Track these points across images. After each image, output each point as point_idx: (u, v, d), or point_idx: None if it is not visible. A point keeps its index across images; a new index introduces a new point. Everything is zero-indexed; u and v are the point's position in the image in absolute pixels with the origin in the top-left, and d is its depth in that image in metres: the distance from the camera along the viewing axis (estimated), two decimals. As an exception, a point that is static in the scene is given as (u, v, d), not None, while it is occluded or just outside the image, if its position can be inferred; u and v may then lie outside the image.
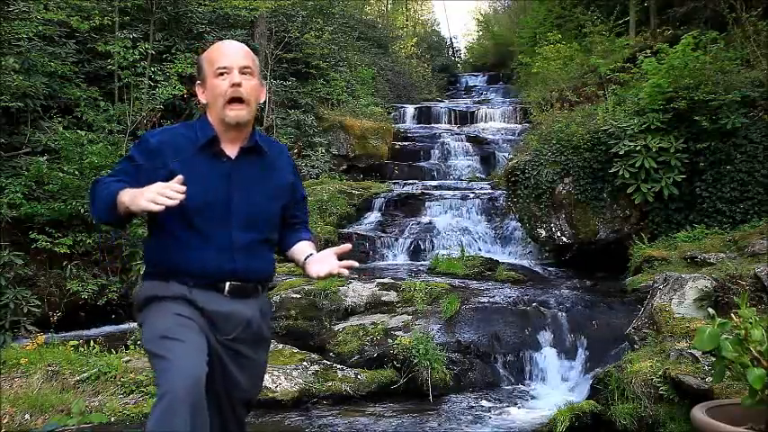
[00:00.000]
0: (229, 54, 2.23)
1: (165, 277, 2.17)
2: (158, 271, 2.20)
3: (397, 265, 9.03)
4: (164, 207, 1.95)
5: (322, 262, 2.29)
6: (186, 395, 1.90)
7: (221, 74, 2.19)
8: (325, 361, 5.50)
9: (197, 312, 2.13)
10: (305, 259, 2.34)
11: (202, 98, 2.26)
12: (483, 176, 12.65)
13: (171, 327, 2.05)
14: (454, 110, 16.95)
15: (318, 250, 2.37)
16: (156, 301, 2.15)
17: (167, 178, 2.06)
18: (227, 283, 2.20)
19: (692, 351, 4.19)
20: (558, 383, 5.47)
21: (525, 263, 8.78)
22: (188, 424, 1.88)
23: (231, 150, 2.25)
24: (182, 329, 2.06)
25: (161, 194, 1.95)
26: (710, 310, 2.99)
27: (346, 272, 2.27)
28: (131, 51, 9.01)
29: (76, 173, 7.80)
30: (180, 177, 2.01)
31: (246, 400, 2.33)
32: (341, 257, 2.29)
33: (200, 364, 1.99)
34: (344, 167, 13.13)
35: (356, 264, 2.36)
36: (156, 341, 2.04)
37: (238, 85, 2.18)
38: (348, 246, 2.35)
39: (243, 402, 2.32)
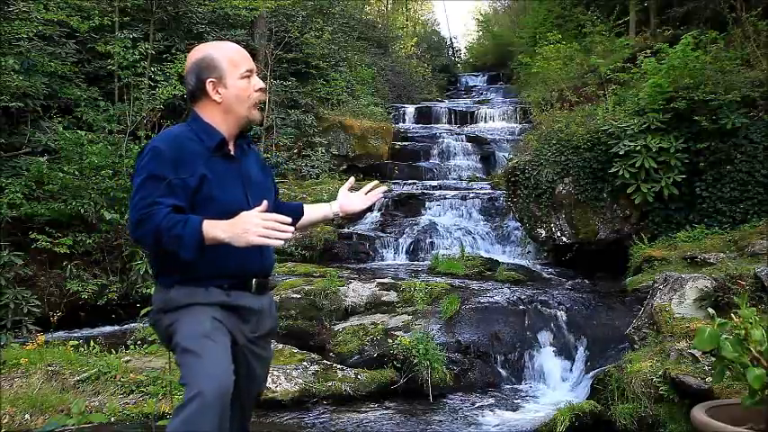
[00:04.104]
0: (248, 58, 2.31)
1: (202, 282, 2.14)
2: (194, 275, 2.14)
3: (397, 265, 9.03)
4: (283, 242, 2.04)
5: (355, 198, 2.58)
6: (215, 400, 1.93)
7: (248, 76, 2.26)
8: (325, 361, 5.50)
9: (226, 314, 2.16)
10: (331, 207, 2.57)
11: (216, 96, 2.24)
12: (483, 176, 12.66)
13: (211, 329, 2.07)
14: (454, 110, 16.96)
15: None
16: (199, 306, 2.13)
17: (198, 185, 2.11)
18: (254, 280, 2.25)
19: (692, 351, 4.19)
20: (557, 383, 5.47)
21: (525, 263, 8.78)
22: (216, 428, 1.92)
23: (232, 149, 2.31)
24: (218, 333, 2.09)
25: (271, 228, 1.99)
26: (710, 310, 2.99)
27: (380, 195, 2.60)
28: (131, 51, 9.01)
29: (76, 173, 7.80)
30: (265, 204, 2.06)
31: (259, 393, 2.43)
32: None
33: (230, 373, 2.02)
34: (344, 167, 13.13)
35: (385, 188, 2.68)
36: (198, 339, 2.04)
37: (263, 89, 2.31)
38: (351, 179, 2.65)
39: (255, 396, 2.40)
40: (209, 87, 2.23)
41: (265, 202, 2.07)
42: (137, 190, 2.09)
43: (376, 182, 2.66)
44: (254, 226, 1.99)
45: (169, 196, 2.07)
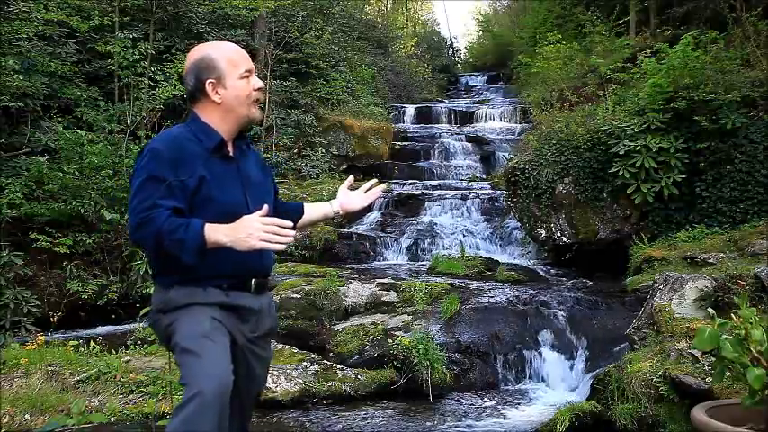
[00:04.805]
0: (247, 58, 2.31)
1: (201, 282, 2.14)
2: (193, 276, 2.13)
3: (397, 265, 9.03)
4: (284, 247, 2.06)
5: (355, 196, 2.58)
6: (214, 399, 1.93)
7: (247, 77, 2.26)
8: (325, 361, 5.50)
9: (226, 314, 2.16)
10: (332, 206, 2.58)
11: (216, 97, 2.23)
12: (483, 176, 12.66)
13: (210, 329, 2.08)
14: (454, 110, 16.97)
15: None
16: (198, 306, 2.13)
17: (197, 186, 2.11)
18: (254, 281, 2.26)
19: (692, 351, 4.18)
20: (558, 383, 5.46)
21: (525, 263, 8.78)
22: (215, 428, 1.92)
23: (231, 150, 2.30)
24: (217, 333, 2.09)
25: (272, 233, 2.01)
26: (710, 310, 2.98)
27: (379, 193, 2.63)
28: (131, 51, 9.01)
29: (76, 173, 7.80)
30: (266, 208, 2.07)
31: (258, 392, 2.43)
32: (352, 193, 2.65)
33: (230, 373, 2.03)
34: (344, 167, 13.13)
35: (384, 186, 2.70)
36: (197, 339, 2.04)
37: (262, 89, 2.32)
38: (351, 178, 2.67)
39: (256, 396, 2.40)
40: (208, 88, 2.22)
41: (266, 207, 2.08)
42: (136, 192, 2.08)
43: (374, 180, 2.68)
44: (255, 230, 2.00)
45: (169, 198, 2.06)
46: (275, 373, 5.00)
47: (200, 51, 2.28)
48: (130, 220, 2.08)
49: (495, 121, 16.02)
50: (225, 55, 2.25)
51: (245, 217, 2.04)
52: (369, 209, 10.73)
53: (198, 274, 2.12)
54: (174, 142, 2.16)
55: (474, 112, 16.67)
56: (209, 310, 2.12)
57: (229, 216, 2.07)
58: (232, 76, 2.23)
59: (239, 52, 2.30)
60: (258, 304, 2.27)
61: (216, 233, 2.01)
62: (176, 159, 2.11)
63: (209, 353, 2.00)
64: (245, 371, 2.23)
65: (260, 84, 2.30)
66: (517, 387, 5.47)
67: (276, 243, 2.02)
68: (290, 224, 2.06)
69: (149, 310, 2.27)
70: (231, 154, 2.28)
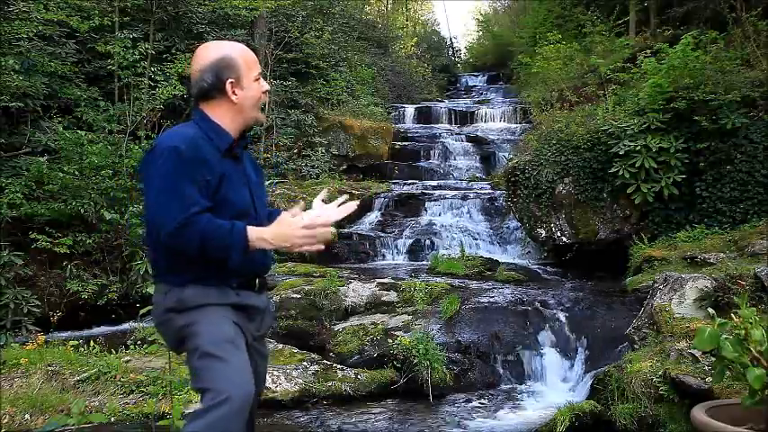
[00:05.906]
0: (257, 61, 2.33)
1: (213, 281, 2.13)
2: (205, 275, 2.12)
3: (397, 265, 9.03)
4: (323, 247, 2.15)
5: (329, 209, 2.42)
6: (241, 406, 1.97)
7: (258, 79, 2.29)
8: (325, 361, 5.50)
9: (237, 315, 2.17)
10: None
11: (233, 97, 2.23)
12: (483, 176, 12.66)
13: (234, 335, 2.09)
14: (454, 110, 16.95)
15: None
16: (212, 307, 2.12)
17: (217, 185, 2.12)
18: (257, 279, 2.27)
19: (692, 351, 4.19)
20: (557, 383, 5.46)
21: (525, 263, 8.78)
22: None
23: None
24: (239, 339, 2.11)
25: (315, 233, 2.09)
26: (710, 310, 2.99)
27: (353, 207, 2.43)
28: (131, 51, 9.00)
29: (76, 173, 7.79)
30: (302, 204, 2.17)
31: (260, 392, 2.42)
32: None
33: (252, 381, 2.06)
34: (344, 167, 13.13)
35: (357, 202, 2.52)
36: (222, 344, 2.05)
37: (268, 91, 2.34)
38: (324, 191, 2.52)
39: (258, 395, 2.40)
40: (228, 87, 2.22)
41: (302, 203, 2.16)
42: (169, 193, 2.02)
43: (346, 196, 2.52)
44: (299, 232, 2.07)
45: (201, 198, 2.06)
46: (275, 373, 5.01)
47: (219, 50, 2.26)
48: (167, 223, 2.00)
49: (495, 121, 16.00)
50: (242, 56, 2.26)
51: (288, 221, 2.09)
52: (369, 209, 10.75)
53: (210, 273, 2.12)
54: (193, 142, 2.14)
55: (474, 112, 16.65)
56: (225, 312, 2.13)
57: (239, 216, 2.09)
58: (249, 77, 2.25)
59: (252, 54, 2.31)
60: (262, 303, 2.30)
61: (261, 241, 2.07)
62: (198, 159, 2.10)
63: (235, 359, 2.02)
64: (254, 370, 2.22)
65: (267, 87, 2.32)
66: (517, 387, 5.47)
67: (319, 243, 2.11)
68: (331, 220, 2.13)
69: (153, 310, 2.25)
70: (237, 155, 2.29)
